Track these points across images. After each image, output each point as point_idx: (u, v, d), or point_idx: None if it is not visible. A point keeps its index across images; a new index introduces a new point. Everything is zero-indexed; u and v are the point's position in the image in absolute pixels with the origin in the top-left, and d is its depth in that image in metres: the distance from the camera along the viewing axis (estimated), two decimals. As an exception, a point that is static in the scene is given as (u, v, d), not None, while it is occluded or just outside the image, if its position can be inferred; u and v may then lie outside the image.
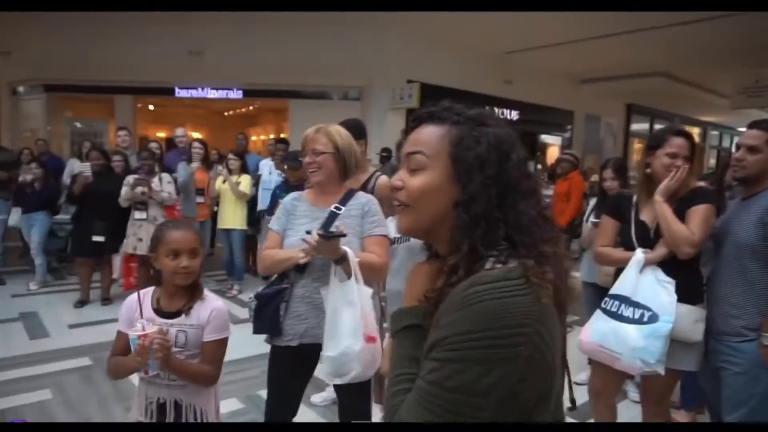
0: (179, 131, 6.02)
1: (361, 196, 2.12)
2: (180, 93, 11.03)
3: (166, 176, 4.83)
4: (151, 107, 13.89)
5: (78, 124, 12.25)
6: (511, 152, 0.88)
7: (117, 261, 5.10)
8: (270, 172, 5.61)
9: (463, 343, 0.77)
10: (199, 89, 11.05)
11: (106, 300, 5.10)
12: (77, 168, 6.27)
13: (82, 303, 5.01)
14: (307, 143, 2.09)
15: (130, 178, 4.66)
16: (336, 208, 2.04)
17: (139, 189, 4.59)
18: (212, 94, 11.04)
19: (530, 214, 0.86)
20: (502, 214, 0.84)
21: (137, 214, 4.71)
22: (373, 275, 2.00)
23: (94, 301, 5.12)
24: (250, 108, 13.90)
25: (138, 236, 4.74)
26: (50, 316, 4.70)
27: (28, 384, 3.38)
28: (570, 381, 0.99)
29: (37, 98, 11.97)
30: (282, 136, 10.80)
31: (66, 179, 6.17)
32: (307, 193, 2.19)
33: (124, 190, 4.63)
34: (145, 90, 11.44)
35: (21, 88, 12.27)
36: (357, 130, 2.50)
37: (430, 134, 0.90)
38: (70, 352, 3.93)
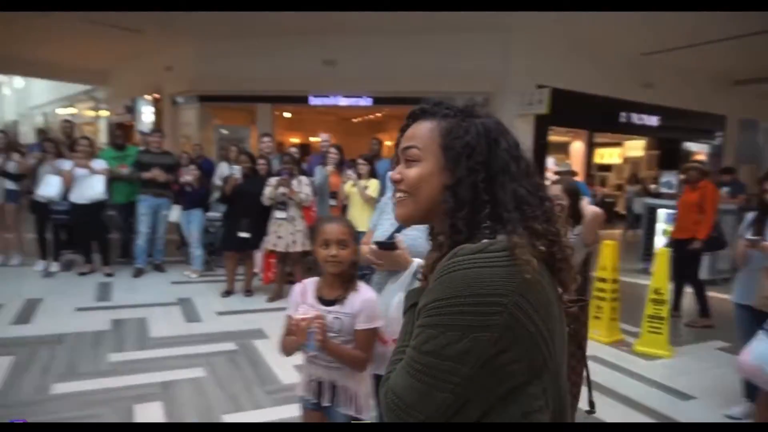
0: (324, 137, 6.35)
1: None
2: (313, 101, 11.71)
3: (304, 179, 5.19)
4: (286, 114, 14.85)
5: (223, 131, 13.51)
6: (500, 138, 0.94)
7: (258, 256, 5.55)
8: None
9: (437, 309, 0.82)
10: (331, 97, 11.62)
11: (248, 292, 5.57)
12: (227, 171, 6.93)
13: (227, 293, 5.51)
14: None
15: (273, 180, 5.06)
16: None
17: (282, 189, 4.97)
18: (343, 101, 11.55)
19: (520, 193, 0.90)
20: (490, 196, 0.89)
21: (278, 214, 5.10)
22: None
23: (238, 292, 5.61)
24: (378, 114, 14.34)
25: (278, 234, 5.13)
26: (202, 303, 5.24)
27: (186, 361, 3.80)
28: (590, 381, 0.99)
29: (192, 107, 13.37)
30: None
31: (216, 180, 6.84)
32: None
33: (268, 190, 5.04)
34: (282, 99, 12.29)
35: (180, 99, 13.77)
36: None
37: (422, 129, 0.98)
38: (219, 337, 4.35)
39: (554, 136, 11.55)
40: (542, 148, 10.02)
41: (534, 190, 0.93)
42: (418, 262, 1.81)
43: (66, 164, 5.79)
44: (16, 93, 28.63)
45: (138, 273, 6.08)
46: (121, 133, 6.84)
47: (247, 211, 5.20)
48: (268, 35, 11.22)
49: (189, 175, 5.83)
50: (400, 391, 0.84)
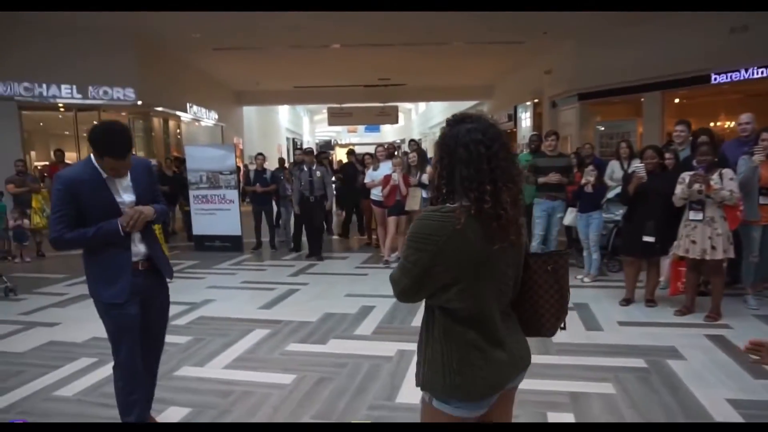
0: (744, 118, 5.17)
1: None
2: (717, 79, 9.92)
3: (728, 172, 4.29)
4: (676, 100, 13.08)
5: (601, 128, 12.84)
6: (464, 138, 1.48)
7: (665, 263, 4.90)
8: None
9: (409, 237, 1.52)
10: (741, 71, 9.61)
11: (651, 302, 4.98)
12: (618, 170, 6.44)
13: (627, 301, 5.06)
14: None
15: (686, 176, 4.36)
16: None
17: (696, 187, 4.23)
18: (758, 73, 9.40)
19: (465, 175, 1.46)
20: (448, 180, 1.51)
21: (692, 215, 4.36)
22: None
23: (638, 301, 5.09)
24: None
25: (691, 238, 4.39)
26: (600, 310, 4.94)
27: (592, 373, 3.58)
28: (566, 309, 1.69)
29: (571, 107, 13.19)
30: None
31: (607, 180, 6.44)
32: None
33: (680, 189, 4.37)
34: (675, 83, 10.83)
35: (558, 101, 13.79)
36: None
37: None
38: (625, 350, 3.98)
39: None
40: None
41: (480, 173, 1.45)
42: None
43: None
44: (420, 117, 34.33)
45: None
46: (536, 137, 7.09)
47: (652, 212, 4.64)
48: (637, 23, 10.14)
49: (590, 176, 5.62)
50: (392, 274, 1.59)
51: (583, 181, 5.77)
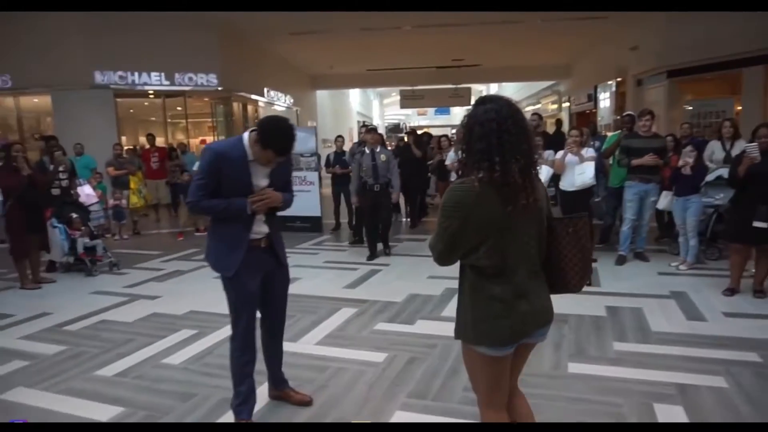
0: None
1: None
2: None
3: None
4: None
5: (688, 107, 12.00)
6: (481, 117, 1.72)
7: (782, 252, 4.54)
8: None
9: (440, 210, 1.79)
10: None
11: (759, 292, 4.64)
12: (719, 151, 6.03)
13: (731, 291, 4.73)
14: None
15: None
16: None
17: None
18: None
19: (478, 148, 1.70)
20: (468, 153, 1.75)
21: (814, 199, 4.00)
22: None
23: (744, 291, 4.75)
24: None
25: (811, 224, 4.03)
26: (701, 300, 4.66)
27: (699, 365, 3.37)
28: (590, 266, 1.93)
29: (660, 85, 12.42)
30: None
31: (708, 162, 6.03)
32: None
33: (799, 170, 4.02)
34: (782, 56, 9.91)
35: (645, 79, 13.02)
36: None
37: None
38: (734, 343, 3.72)
39: None
40: None
41: (491, 147, 1.68)
42: None
43: (554, 155, 6.19)
44: (491, 98, 33.54)
45: (621, 260, 5.95)
46: (629, 118, 6.69)
47: (766, 195, 4.29)
48: None
49: (688, 157, 5.28)
50: (429, 241, 1.86)
51: (681, 162, 5.42)
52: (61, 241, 6.27)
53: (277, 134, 2.48)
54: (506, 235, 1.73)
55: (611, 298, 4.81)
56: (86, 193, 7.38)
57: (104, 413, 3.00)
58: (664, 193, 5.74)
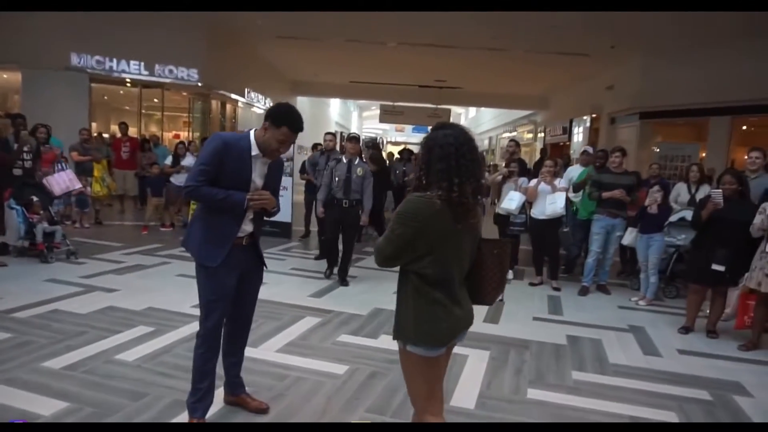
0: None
1: None
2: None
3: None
4: (744, 127, 12.59)
5: (656, 149, 12.41)
6: (440, 141, 1.91)
7: (734, 295, 4.70)
8: None
9: (396, 215, 1.91)
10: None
11: (712, 333, 4.78)
12: (684, 193, 6.24)
13: (686, 329, 4.86)
14: None
15: (767, 206, 4.16)
16: None
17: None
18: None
19: (438, 168, 1.88)
20: (427, 172, 1.92)
21: (770, 247, 4.16)
22: None
23: (698, 330, 4.89)
24: None
25: (766, 271, 4.18)
26: (657, 335, 4.77)
27: (653, 400, 3.44)
28: (504, 283, 2.15)
29: (632, 125, 12.84)
30: None
31: (672, 203, 6.23)
32: None
33: (759, 219, 4.17)
34: (747, 108, 10.38)
35: (618, 117, 13.43)
36: None
37: None
38: (687, 380, 3.81)
39: None
40: None
41: (449, 169, 1.87)
42: None
43: (528, 182, 6.29)
44: (469, 122, 34.07)
45: (584, 291, 6.06)
46: (602, 154, 6.91)
47: (725, 239, 4.45)
48: (711, 45, 9.76)
49: (655, 196, 5.44)
50: (377, 244, 1.98)
51: (648, 200, 5.59)
52: (18, 224, 6.02)
53: (291, 112, 2.59)
54: (450, 249, 1.93)
55: (573, 327, 4.89)
56: (69, 178, 7.12)
57: (48, 407, 2.86)
58: (630, 229, 5.89)
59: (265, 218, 2.80)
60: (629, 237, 5.89)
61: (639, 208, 5.77)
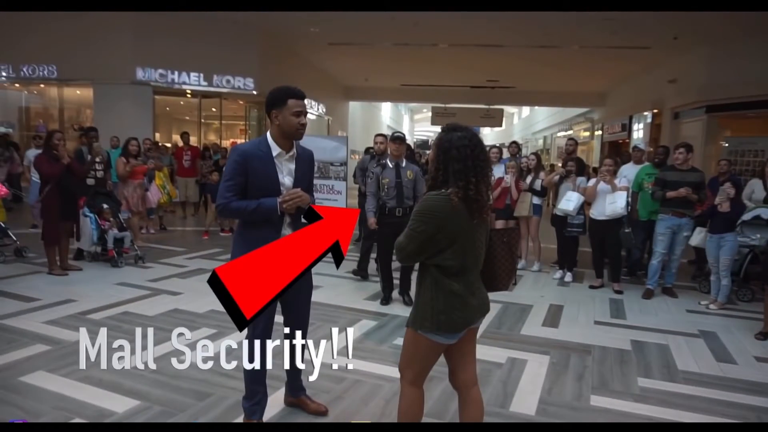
0: None
1: None
2: None
3: None
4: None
5: (725, 144, 11.75)
6: (454, 142, 2.07)
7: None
8: None
9: (415, 214, 2.09)
10: None
11: (794, 339, 4.47)
12: (759, 189, 5.88)
13: (764, 335, 4.57)
14: None
15: None
16: None
17: None
18: None
19: (456, 168, 2.04)
20: (443, 171, 2.08)
21: None
22: None
23: (778, 337, 4.59)
24: None
25: None
26: (731, 341, 4.51)
27: (727, 409, 3.25)
28: (516, 267, 2.38)
29: (697, 119, 12.22)
30: None
31: (745, 200, 5.89)
32: None
33: None
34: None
35: (682, 112, 12.81)
36: None
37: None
38: (766, 389, 3.58)
39: None
40: None
41: (467, 169, 2.04)
42: None
43: (586, 182, 6.10)
44: (522, 121, 33.40)
45: (648, 294, 5.80)
46: (662, 150, 6.66)
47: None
48: None
49: (727, 194, 5.15)
50: (398, 241, 2.13)
51: (719, 198, 5.29)
52: (91, 231, 6.39)
53: (283, 87, 2.60)
54: (468, 242, 2.11)
55: (637, 331, 4.69)
56: (153, 191, 7.89)
57: (121, 405, 3.02)
58: (698, 229, 5.60)
59: (303, 220, 2.71)
60: (698, 237, 5.60)
61: (706, 207, 5.47)
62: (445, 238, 2.06)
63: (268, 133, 2.64)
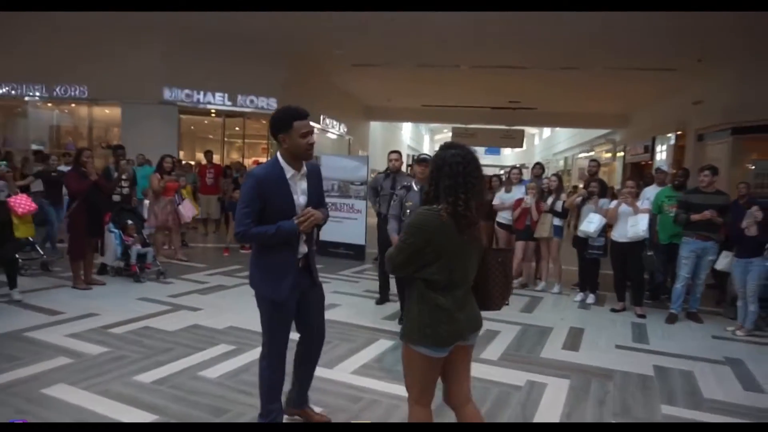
0: None
1: None
2: None
3: None
4: None
5: (751, 166, 11.53)
6: (450, 159, 2.12)
7: None
8: None
9: (406, 227, 2.19)
10: None
11: (825, 368, 4.32)
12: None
13: (794, 364, 4.43)
14: None
15: None
16: None
17: None
18: None
19: (446, 184, 2.09)
20: (435, 187, 2.14)
21: None
22: None
23: (809, 366, 4.44)
24: None
25: None
26: (759, 370, 4.37)
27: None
28: (510, 288, 2.45)
29: (722, 142, 12.04)
30: None
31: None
32: None
33: None
34: None
35: (707, 134, 12.64)
36: None
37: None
38: (796, 420, 3.47)
39: None
40: None
41: (456, 186, 2.08)
42: None
43: (608, 203, 6.04)
44: (543, 142, 33.25)
45: (672, 319, 5.67)
46: (682, 173, 6.61)
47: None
48: None
49: (752, 218, 5.04)
50: (389, 252, 2.22)
51: (746, 222, 5.18)
52: (115, 246, 6.52)
53: (286, 109, 2.62)
54: (455, 257, 2.14)
55: (660, 357, 4.58)
56: (187, 206, 8.12)
57: (138, 419, 3.04)
58: (724, 252, 5.48)
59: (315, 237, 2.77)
60: (724, 261, 5.48)
61: (731, 231, 5.36)
62: (433, 252, 2.10)
63: (279, 155, 2.64)
